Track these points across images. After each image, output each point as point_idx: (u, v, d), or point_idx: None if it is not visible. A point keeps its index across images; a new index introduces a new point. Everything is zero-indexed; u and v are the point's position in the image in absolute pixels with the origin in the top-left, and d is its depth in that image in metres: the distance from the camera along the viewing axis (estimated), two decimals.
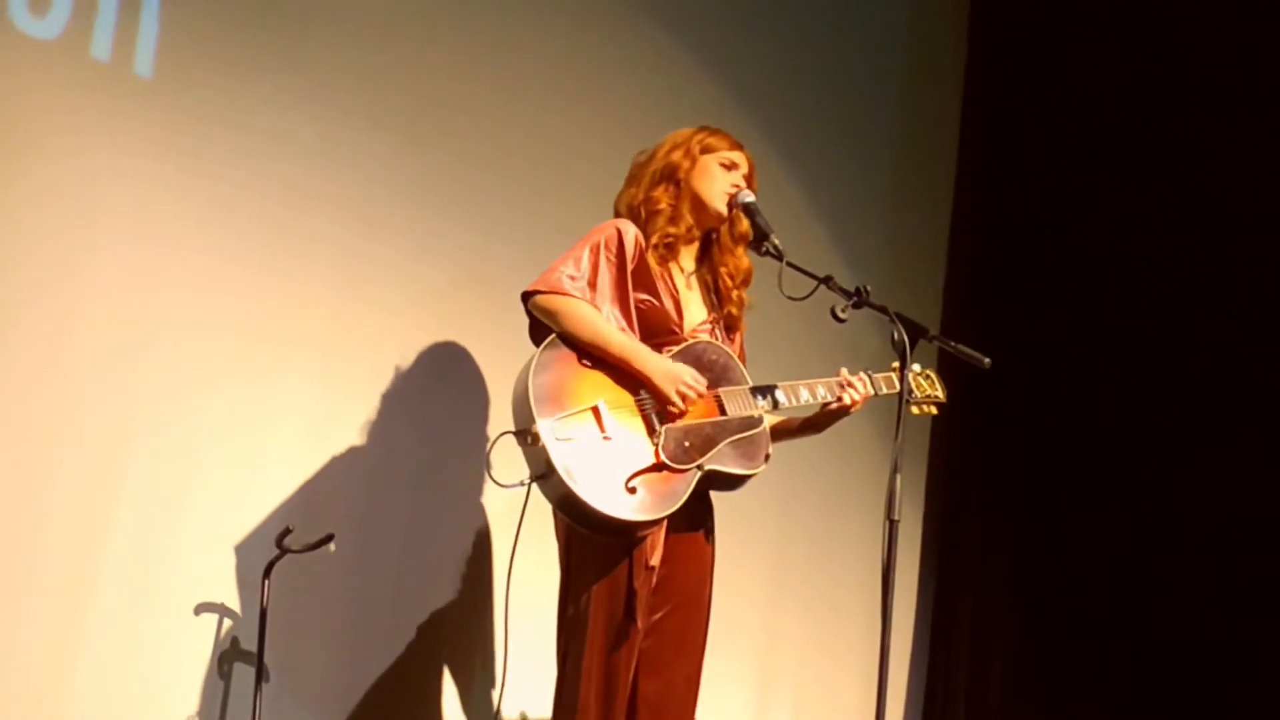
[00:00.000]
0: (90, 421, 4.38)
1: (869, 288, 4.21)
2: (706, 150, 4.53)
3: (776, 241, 4.38)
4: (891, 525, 3.93)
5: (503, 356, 5.07)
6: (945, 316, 6.76)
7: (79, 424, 4.36)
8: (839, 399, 4.49)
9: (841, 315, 4.16)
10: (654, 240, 4.46)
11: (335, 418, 4.85)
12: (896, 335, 4.09)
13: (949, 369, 4.98)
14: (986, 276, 6.88)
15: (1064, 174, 6.90)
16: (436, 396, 5.06)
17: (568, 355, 4.27)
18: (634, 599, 4.22)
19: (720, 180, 4.50)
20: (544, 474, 4.14)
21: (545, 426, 4.13)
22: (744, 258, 4.58)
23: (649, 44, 5.80)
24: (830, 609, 6.17)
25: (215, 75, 4.66)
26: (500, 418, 5.09)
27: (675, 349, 4.39)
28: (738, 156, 4.56)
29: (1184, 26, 6.75)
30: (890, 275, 6.51)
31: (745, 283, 4.61)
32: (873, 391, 4.55)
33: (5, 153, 4.25)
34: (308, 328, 4.81)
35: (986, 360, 4.40)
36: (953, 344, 4.39)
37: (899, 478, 3.94)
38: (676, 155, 4.53)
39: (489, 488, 5.10)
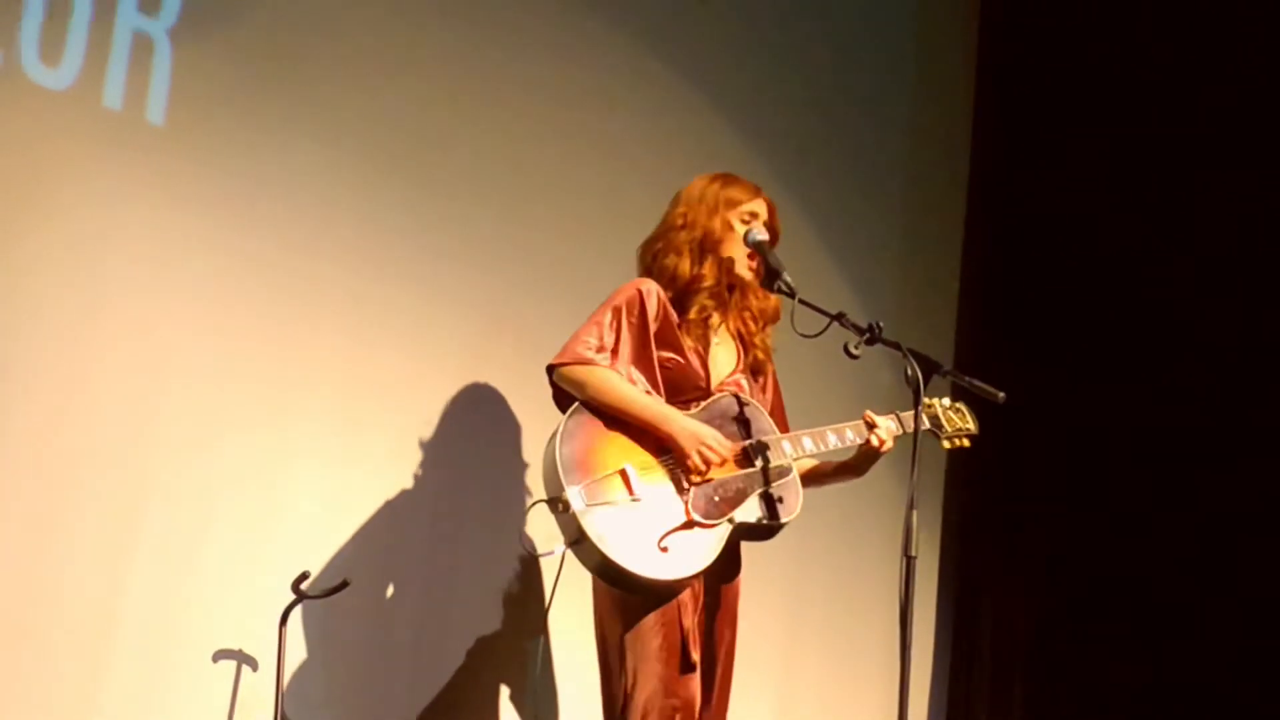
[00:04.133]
0: (107, 468, 4.39)
1: (881, 324, 4.22)
2: (730, 207, 4.53)
3: (788, 279, 4.38)
4: (909, 561, 3.92)
5: (520, 397, 5.10)
6: (959, 352, 6.75)
7: (96, 471, 4.36)
8: (868, 441, 4.49)
9: (854, 352, 4.16)
10: (692, 315, 4.45)
11: (352, 463, 4.85)
12: (910, 371, 4.09)
13: None
14: (1000, 310, 6.87)
15: (1077, 207, 6.89)
16: (453, 440, 5.05)
17: (593, 421, 4.30)
18: (688, 637, 4.23)
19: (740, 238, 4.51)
20: (577, 540, 4.17)
21: (575, 494, 4.16)
22: (768, 298, 4.56)
23: (662, 87, 5.81)
24: (849, 645, 6.15)
25: (227, 123, 4.68)
26: (517, 461, 5.11)
27: (700, 405, 4.40)
28: (757, 205, 4.55)
29: (1199, 54, 6.75)
30: (903, 311, 6.50)
31: (773, 319, 4.59)
32: (901, 430, 4.53)
33: (19, 202, 4.27)
34: (324, 373, 4.82)
35: (1001, 395, 4.40)
36: (967, 379, 4.40)
37: (915, 514, 3.93)
38: (715, 224, 4.50)
39: (508, 533, 5.09)
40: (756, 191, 4.59)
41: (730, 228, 4.51)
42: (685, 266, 4.48)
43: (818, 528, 5.95)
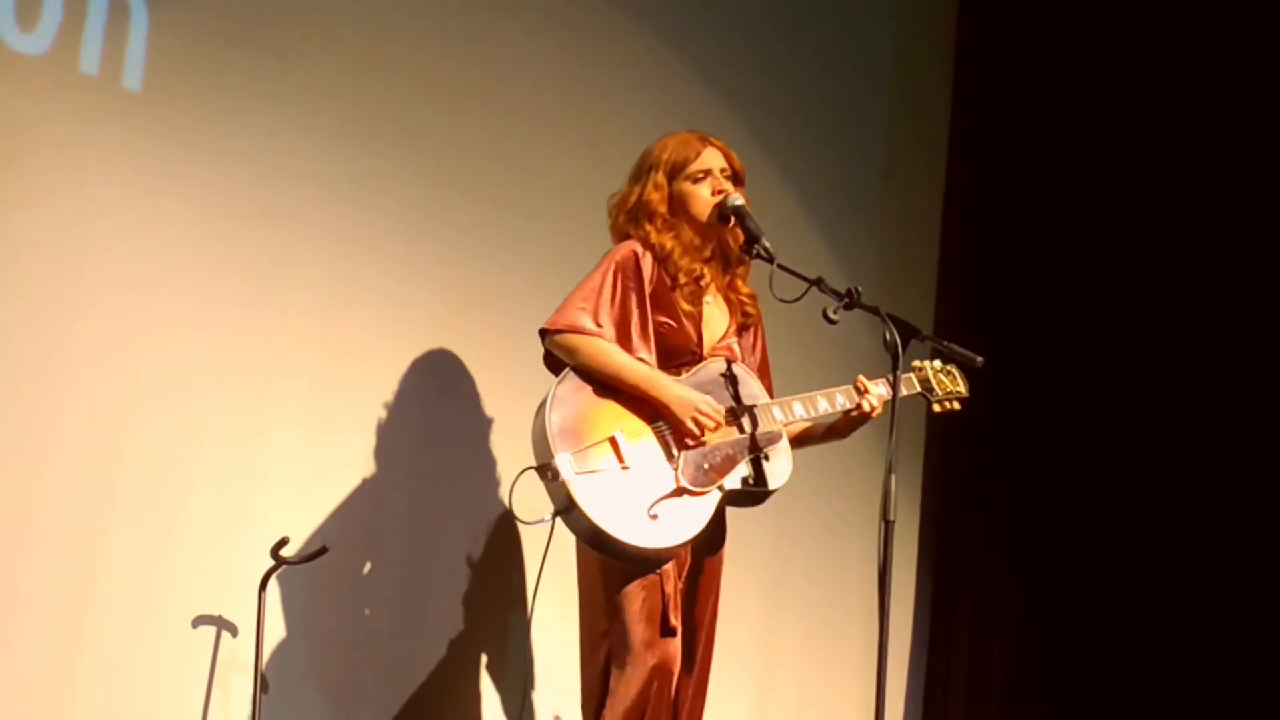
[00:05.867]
0: (85, 436, 4.38)
1: (860, 289, 4.21)
2: (674, 173, 4.50)
3: (767, 244, 4.37)
4: (887, 525, 3.92)
5: (495, 367, 5.11)
6: (938, 317, 6.75)
7: (73, 439, 4.36)
8: (858, 405, 4.49)
9: (833, 317, 4.15)
10: (683, 280, 4.43)
11: (331, 431, 4.85)
12: (888, 336, 4.08)
13: None
14: (979, 275, 6.87)
15: (1056, 172, 6.90)
16: (430, 408, 5.06)
17: (583, 388, 4.29)
18: (669, 602, 4.23)
19: (701, 198, 4.48)
20: (566, 508, 4.17)
21: (564, 461, 4.15)
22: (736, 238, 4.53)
23: (637, 50, 5.79)
24: (829, 610, 6.17)
25: (204, 88, 4.66)
26: (493, 429, 5.11)
27: (690, 370, 4.40)
28: (707, 159, 4.52)
29: (1175, 35, 6.75)
30: (882, 277, 6.50)
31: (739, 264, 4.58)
32: (891, 394, 4.52)
33: None
34: (303, 341, 4.81)
35: (979, 359, 4.40)
36: (945, 343, 4.40)
37: (894, 478, 3.93)
38: (652, 195, 4.48)
39: (486, 497, 5.10)
40: (702, 142, 4.55)
41: (665, 190, 4.48)
42: (653, 238, 4.47)
43: (797, 492, 5.95)
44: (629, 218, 4.52)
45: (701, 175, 4.50)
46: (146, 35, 4.56)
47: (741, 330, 4.57)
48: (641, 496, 4.19)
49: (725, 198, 4.46)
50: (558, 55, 5.52)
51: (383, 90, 5.05)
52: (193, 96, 4.64)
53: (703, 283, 4.48)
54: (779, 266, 4.31)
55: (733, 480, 4.31)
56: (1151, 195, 6.71)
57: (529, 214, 5.33)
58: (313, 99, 4.89)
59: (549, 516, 4.22)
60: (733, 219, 4.45)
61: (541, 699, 5.10)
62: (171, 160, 4.58)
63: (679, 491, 4.23)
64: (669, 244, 4.45)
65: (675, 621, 4.24)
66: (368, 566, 4.90)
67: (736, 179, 4.54)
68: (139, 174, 4.52)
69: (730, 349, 4.50)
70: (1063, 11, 6.96)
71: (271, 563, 4.41)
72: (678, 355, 4.42)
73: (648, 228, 4.46)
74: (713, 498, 4.28)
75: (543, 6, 5.50)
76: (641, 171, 4.55)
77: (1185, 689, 6.36)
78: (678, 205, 4.50)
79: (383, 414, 4.94)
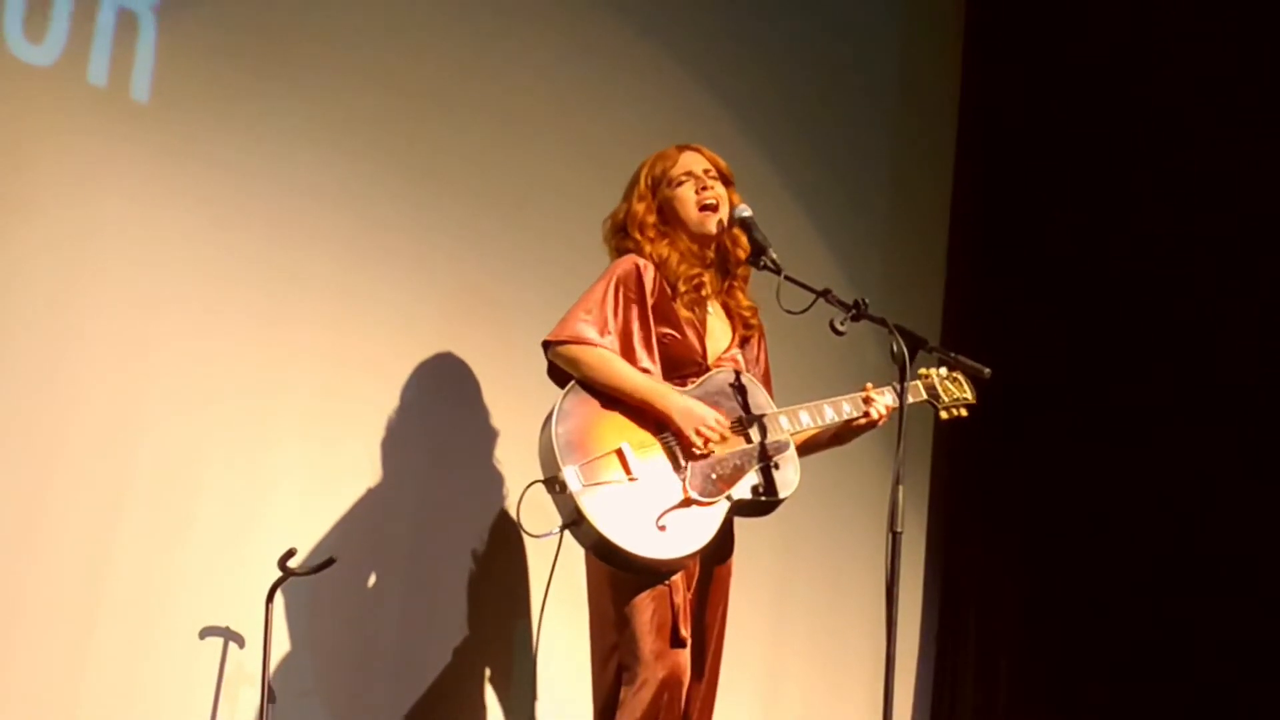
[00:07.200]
0: (94, 448, 4.38)
1: (867, 300, 4.21)
2: (657, 183, 4.53)
3: (774, 255, 4.37)
4: (894, 537, 3.93)
5: (502, 378, 5.11)
6: (945, 328, 6.75)
7: (80, 451, 4.36)
8: (865, 414, 4.49)
9: (840, 328, 4.15)
10: (683, 289, 4.45)
11: (338, 443, 4.86)
12: (895, 347, 4.08)
13: None
14: (986, 286, 6.87)
15: (1063, 183, 6.90)
16: (437, 419, 5.06)
17: (589, 400, 4.29)
18: (678, 613, 4.23)
19: (687, 200, 4.50)
20: (574, 521, 4.16)
21: (571, 473, 4.15)
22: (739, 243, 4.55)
23: (643, 62, 5.81)
24: (835, 621, 6.17)
25: (211, 100, 4.67)
26: (500, 442, 5.11)
27: (696, 382, 4.39)
28: (687, 161, 4.55)
29: (1187, 36, 6.75)
30: (889, 288, 6.51)
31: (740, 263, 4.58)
32: (896, 403, 4.52)
33: (2, 178, 4.26)
34: (309, 355, 4.81)
35: (987, 370, 4.40)
36: (953, 355, 4.39)
37: (901, 489, 3.93)
38: (637, 207, 4.52)
39: (493, 508, 5.10)
40: (679, 150, 4.58)
41: (650, 202, 4.51)
42: (648, 248, 4.47)
43: (804, 503, 5.96)
44: (621, 234, 4.54)
45: (683, 178, 4.52)
46: (155, 47, 4.57)
47: (744, 342, 4.58)
48: (649, 508, 4.18)
49: (734, 209, 4.47)
50: (563, 67, 5.52)
51: (390, 103, 5.06)
52: (200, 109, 4.65)
53: (703, 291, 4.48)
54: (786, 278, 4.31)
55: (741, 490, 4.30)
56: (1162, 200, 6.70)
57: (535, 226, 5.34)
58: (320, 112, 4.90)
59: (557, 529, 4.21)
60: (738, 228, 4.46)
61: (547, 710, 5.10)
62: (179, 172, 4.59)
63: (687, 502, 4.23)
64: (665, 251, 4.46)
65: (685, 632, 4.23)
66: (374, 578, 4.90)
67: (724, 179, 4.57)
68: (146, 185, 4.52)
69: (735, 360, 4.51)
70: (1072, 13, 6.96)
71: (279, 574, 4.42)
72: (682, 366, 4.42)
73: (638, 238, 4.48)
74: (721, 508, 4.27)
75: (548, 19, 5.51)
76: (627, 190, 4.58)
77: (1193, 702, 6.36)
78: (668, 214, 4.52)
79: (389, 426, 4.94)
